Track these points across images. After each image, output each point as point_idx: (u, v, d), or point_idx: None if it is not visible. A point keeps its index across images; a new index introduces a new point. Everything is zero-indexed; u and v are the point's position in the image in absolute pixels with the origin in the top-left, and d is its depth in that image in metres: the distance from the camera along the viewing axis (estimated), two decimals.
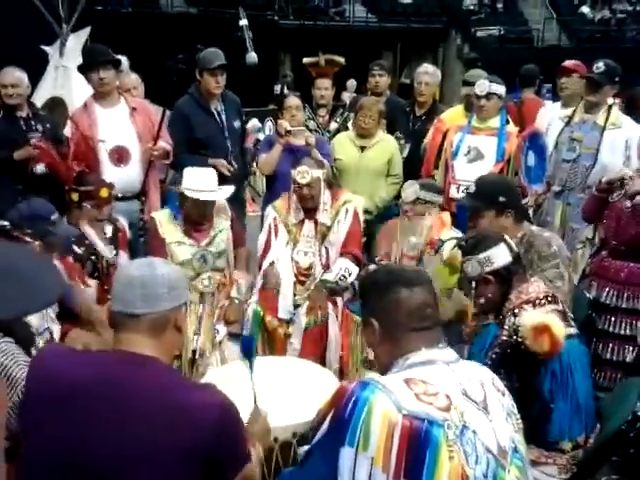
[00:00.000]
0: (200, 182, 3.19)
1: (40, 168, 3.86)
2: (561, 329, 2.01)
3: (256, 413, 1.91)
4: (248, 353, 2.15)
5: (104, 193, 3.15)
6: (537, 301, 2.15)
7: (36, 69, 4.41)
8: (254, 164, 5.09)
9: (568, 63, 4.50)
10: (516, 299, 2.19)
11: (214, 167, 3.56)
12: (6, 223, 2.50)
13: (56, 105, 4.64)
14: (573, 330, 2.15)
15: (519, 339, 2.08)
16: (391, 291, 1.55)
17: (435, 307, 1.57)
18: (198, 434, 1.47)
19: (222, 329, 3.22)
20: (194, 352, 3.12)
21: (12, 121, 3.95)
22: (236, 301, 3.31)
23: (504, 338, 2.15)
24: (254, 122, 7.61)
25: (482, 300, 2.25)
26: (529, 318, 2.05)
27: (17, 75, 3.95)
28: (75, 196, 3.11)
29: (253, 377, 2.02)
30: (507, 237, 2.31)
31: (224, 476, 1.56)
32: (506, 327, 2.16)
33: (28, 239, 2.49)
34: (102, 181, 3.26)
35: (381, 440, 1.33)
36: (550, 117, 4.29)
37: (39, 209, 2.65)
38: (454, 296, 3.08)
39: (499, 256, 2.22)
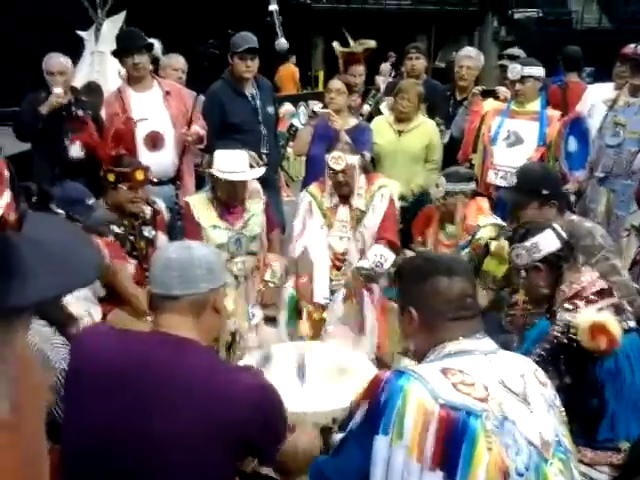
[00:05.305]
0: (231, 164, 3.18)
1: (76, 153, 3.88)
2: (618, 327, 1.95)
3: (307, 428, 1.87)
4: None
5: (139, 175, 3.16)
6: (589, 297, 2.08)
7: (72, 54, 4.43)
8: (288, 148, 5.06)
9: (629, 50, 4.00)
10: (569, 290, 2.12)
11: None
12: (62, 212, 2.50)
13: (92, 90, 4.67)
14: (632, 323, 2.08)
15: (572, 336, 2.01)
16: (430, 279, 1.51)
17: (474, 297, 1.54)
18: (238, 415, 1.47)
19: (258, 313, 3.24)
20: (233, 335, 3.12)
21: None
22: (271, 285, 3.31)
23: (555, 333, 2.07)
24: (287, 107, 7.55)
25: (533, 290, 2.20)
26: (584, 318, 1.98)
27: (63, 62, 3.98)
28: (111, 177, 3.11)
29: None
30: (555, 224, 2.27)
31: (263, 456, 1.59)
32: (558, 322, 2.09)
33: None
34: (138, 163, 3.27)
35: (416, 430, 1.30)
36: (594, 99, 4.10)
37: (73, 193, 2.65)
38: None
39: (547, 242, 2.18)
